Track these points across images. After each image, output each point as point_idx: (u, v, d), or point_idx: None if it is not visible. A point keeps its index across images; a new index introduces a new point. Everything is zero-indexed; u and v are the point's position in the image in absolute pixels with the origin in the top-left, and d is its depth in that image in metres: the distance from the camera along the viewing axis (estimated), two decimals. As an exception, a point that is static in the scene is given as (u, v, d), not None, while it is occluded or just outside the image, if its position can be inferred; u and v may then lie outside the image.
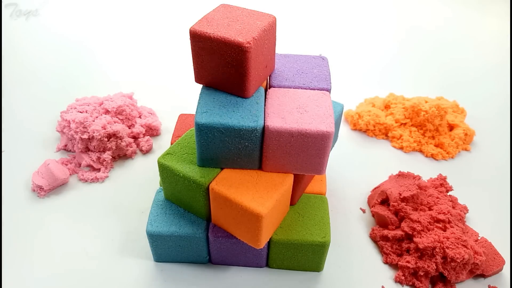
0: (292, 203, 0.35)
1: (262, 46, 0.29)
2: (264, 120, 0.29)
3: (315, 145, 0.29)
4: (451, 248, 0.34)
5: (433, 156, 0.49)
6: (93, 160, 0.45)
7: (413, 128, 0.51)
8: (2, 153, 0.47)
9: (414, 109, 0.51)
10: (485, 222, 0.41)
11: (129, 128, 0.48)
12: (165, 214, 0.34)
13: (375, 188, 0.43)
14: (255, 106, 0.30)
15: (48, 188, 0.42)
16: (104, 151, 0.45)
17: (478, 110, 0.56)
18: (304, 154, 0.30)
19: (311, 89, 0.33)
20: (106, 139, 0.45)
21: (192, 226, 0.34)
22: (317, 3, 0.86)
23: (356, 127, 0.52)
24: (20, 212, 0.40)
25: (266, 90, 0.33)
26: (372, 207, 0.41)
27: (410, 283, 0.36)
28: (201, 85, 0.32)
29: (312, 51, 0.49)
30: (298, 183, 0.33)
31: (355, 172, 0.46)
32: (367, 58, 0.69)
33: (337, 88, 0.52)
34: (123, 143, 0.46)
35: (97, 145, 0.45)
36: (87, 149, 0.46)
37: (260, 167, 0.32)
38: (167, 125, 0.52)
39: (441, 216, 0.37)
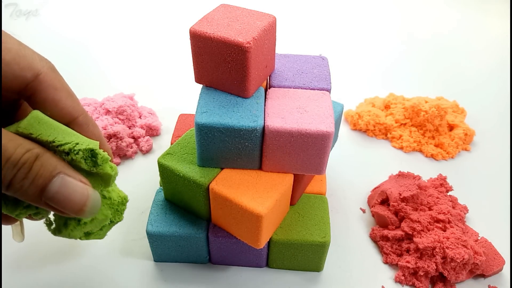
0: (292, 203, 0.35)
1: (262, 46, 0.29)
2: (264, 120, 0.29)
3: (315, 145, 0.29)
4: (451, 248, 0.34)
5: (433, 156, 0.49)
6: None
7: (413, 128, 0.51)
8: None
9: (414, 109, 0.51)
10: (485, 222, 0.41)
11: (129, 129, 0.48)
12: (165, 214, 0.34)
13: (375, 188, 0.43)
14: (255, 106, 0.30)
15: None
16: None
17: (478, 110, 0.56)
18: (304, 154, 0.30)
19: (311, 89, 0.33)
20: (106, 140, 0.45)
21: (192, 226, 0.34)
22: (317, 3, 0.86)
23: (356, 127, 0.52)
24: (20, 212, 0.40)
25: (266, 90, 0.33)
26: (372, 207, 0.41)
27: (410, 283, 0.36)
28: (201, 85, 0.32)
29: (312, 51, 0.49)
30: (298, 183, 0.33)
31: (355, 172, 0.46)
32: (367, 58, 0.69)
33: (337, 88, 0.52)
34: (124, 144, 0.46)
35: (97, 145, 0.45)
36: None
37: (260, 167, 0.32)
38: (167, 125, 0.52)
39: (441, 216, 0.37)
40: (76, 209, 0.23)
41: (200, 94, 0.31)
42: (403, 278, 0.36)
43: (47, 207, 0.23)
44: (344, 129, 0.53)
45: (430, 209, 0.39)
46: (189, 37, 0.29)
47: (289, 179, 0.32)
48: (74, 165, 0.24)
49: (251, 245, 0.32)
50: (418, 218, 0.37)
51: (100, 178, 0.26)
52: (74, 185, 0.23)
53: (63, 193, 0.23)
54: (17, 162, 0.21)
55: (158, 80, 0.61)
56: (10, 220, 0.27)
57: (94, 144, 0.25)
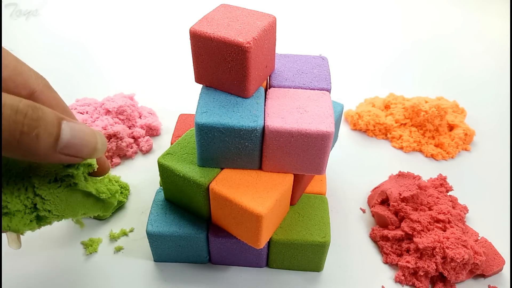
0: (292, 203, 0.35)
1: (262, 46, 0.29)
2: (264, 120, 0.29)
3: (315, 145, 0.29)
4: (451, 248, 0.34)
5: (433, 156, 0.49)
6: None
7: (413, 128, 0.51)
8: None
9: (414, 109, 0.51)
10: (485, 222, 0.41)
11: (129, 129, 0.48)
12: (165, 214, 0.34)
13: (375, 188, 0.43)
14: (255, 106, 0.30)
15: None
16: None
17: (478, 110, 0.56)
18: (304, 154, 0.30)
19: (311, 89, 0.33)
20: (106, 140, 0.45)
21: (192, 226, 0.34)
22: (317, 3, 0.86)
23: (356, 127, 0.52)
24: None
25: (266, 90, 0.33)
26: (372, 207, 0.41)
27: (410, 283, 0.36)
28: (201, 85, 0.32)
29: (312, 51, 0.49)
30: (298, 183, 0.33)
31: (355, 172, 0.46)
32: (367, 58, 0.69)
33: (337, 88, 0.52)
34: (124, 144, 0.46)
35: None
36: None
37: (260, 167, 0.32)
38: (167, 125, 0.52)
39: (441, 216, 0.37)
40: (91, 149, 0.22)
41: (200, 94, 0.31)
42: (403, 278, 0.36)
43: (62, 158, 0.21)
44: (344, 129, 0.53)
45: (430, 209, 0.39)
46: (189, 37, 0.29)
47: (289, 179, 0.32)
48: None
49: (251, 245, 0.32)
50: (418, 218, 0.37)
51: (102, 203, 0.27)
52: (80, 127, 0.22)
53: (76, 136, 0.21)
54: (20, 110, 0.19)
55: (158, 80, 0.61)
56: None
57: (92, 160, 0.25)
